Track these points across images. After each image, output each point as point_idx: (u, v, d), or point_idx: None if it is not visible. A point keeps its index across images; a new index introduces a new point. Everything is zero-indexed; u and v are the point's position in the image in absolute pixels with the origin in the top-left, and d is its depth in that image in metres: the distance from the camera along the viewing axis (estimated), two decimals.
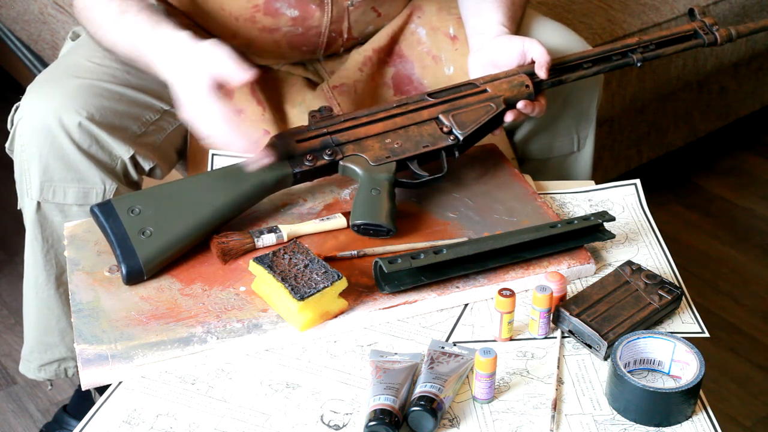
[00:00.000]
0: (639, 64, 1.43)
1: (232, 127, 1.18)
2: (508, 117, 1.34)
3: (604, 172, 2.23)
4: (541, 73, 1.36)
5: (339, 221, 1.27)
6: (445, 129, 1.31)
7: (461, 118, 1.32)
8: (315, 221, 1.27)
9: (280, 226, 1.24)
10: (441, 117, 1.32)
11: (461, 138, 1.31)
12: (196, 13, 1.47)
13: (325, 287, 1.10)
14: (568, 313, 1.12)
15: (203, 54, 1.21)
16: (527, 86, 1.35)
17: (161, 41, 1.26)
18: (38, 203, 1.38)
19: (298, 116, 1.52)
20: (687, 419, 1.04)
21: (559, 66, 1.40)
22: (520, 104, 1.35)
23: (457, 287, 1.18)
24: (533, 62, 1.37)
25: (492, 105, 1.34)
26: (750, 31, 1.52)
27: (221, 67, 1.20)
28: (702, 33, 1.48)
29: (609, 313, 1.13)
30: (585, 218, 1.23)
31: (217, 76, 1.20)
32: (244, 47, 1.49)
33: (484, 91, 1.35)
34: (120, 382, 1.08)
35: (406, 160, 1.29)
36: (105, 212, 1.21)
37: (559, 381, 1.08)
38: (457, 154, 1.33)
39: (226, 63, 1.20)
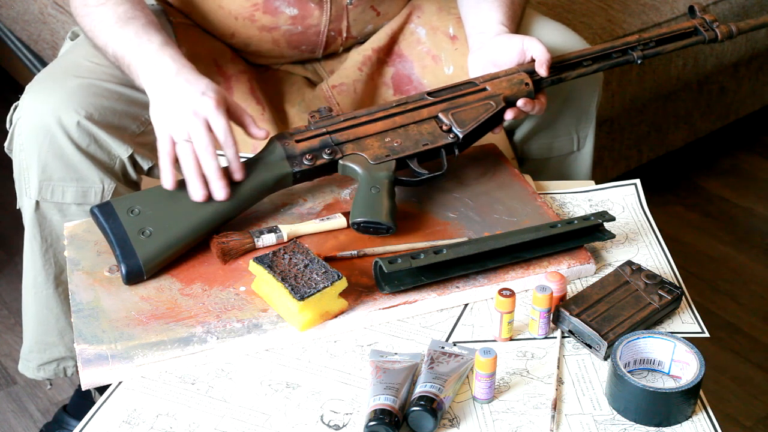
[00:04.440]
0: (640, 61, 1.43)
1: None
2: (508, 115, 1.34)
3: (604, 172, 2.23)
4: (542, 70, 1.35)
5: (339, 221, 1.27)
6: (444, 127, 1.31)
7: (461, 117, 1.32)
8: (315, 221, 1.27)
9: (280, 226, 1.24)
10: (440, 115, 1.32)
11: (461, 136, 1.31)
12: (195, 12, 1.47)
13: (325, 287, 1.10)
14: (568, 313, 1.12)
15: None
16: (527, 84, 1.35)
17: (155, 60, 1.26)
18: (37, 202, 1.37)
19: (297, 115, 1.52)
20: (687, 419, 1.04)
21: (559, 64, 1.40)
22: (520, 102, 1.34)
23: (457, 287, 1.18)
24: (533, 61, 1.37)
25: (492, 103, 1.33)
26: (750, 28, 1.51)
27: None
28: (702, 30, 1.48)
29: (609, 313, 1.12)
30: (585, 218, 1.23)
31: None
32: (243, 46, 1.49)
33: (484, 89, 1.34)
34: (120, 382, 1.08)
35: (405, 159, 1.29)
36: (105, 213, 1.20)
37: (559, 381, 1.08)
38: (457, 152, 1.32)
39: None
